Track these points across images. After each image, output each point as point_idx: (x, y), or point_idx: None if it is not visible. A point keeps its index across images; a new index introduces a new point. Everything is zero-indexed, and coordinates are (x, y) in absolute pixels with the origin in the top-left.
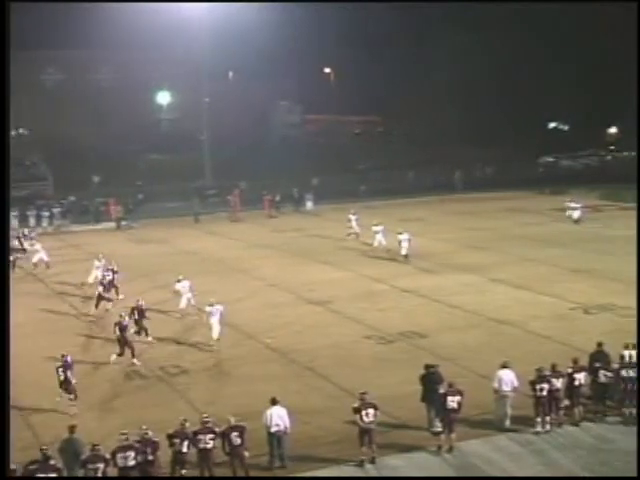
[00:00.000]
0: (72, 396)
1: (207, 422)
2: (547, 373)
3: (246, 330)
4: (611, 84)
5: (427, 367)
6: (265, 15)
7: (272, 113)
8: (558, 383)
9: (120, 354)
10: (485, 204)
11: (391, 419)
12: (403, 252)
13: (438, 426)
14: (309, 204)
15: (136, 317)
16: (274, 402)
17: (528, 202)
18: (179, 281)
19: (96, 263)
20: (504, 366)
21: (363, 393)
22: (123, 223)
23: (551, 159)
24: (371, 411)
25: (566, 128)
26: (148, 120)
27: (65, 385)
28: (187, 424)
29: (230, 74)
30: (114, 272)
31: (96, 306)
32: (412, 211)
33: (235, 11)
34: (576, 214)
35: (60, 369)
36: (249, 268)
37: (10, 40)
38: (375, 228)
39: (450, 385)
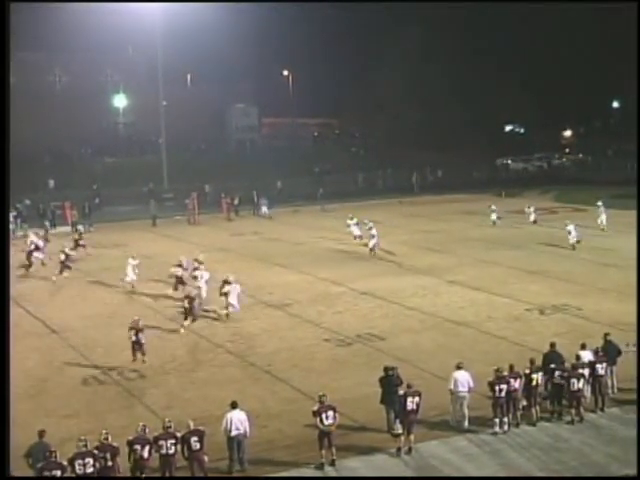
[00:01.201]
0: (145, 357)
1: (169, 427)
2: (505, 374)
3: (204, 334)
4: (565, 87)
5: (386, 369)
6: (223, 16)
7: (229, 116)
8: (516, 384)
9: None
10: (441, 207)
11: (350, 421)
12: (370, 245)
13: (398, 428)
14: (264, 208)
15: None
16: (234, 406)
17: (484, 204)
18: (229, 283)
19: (130, 261)
20: (459, 367)
21: (322, 396)
22: (79, 227)
23: (507, 162)
24: (330, 413)
25: (522, 131)
26: (104, 123)
27: (137, 346)
28: (147, 429)
29: (188, 77)
30: (184, 268)
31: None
32: (369, 214)
33: (191, 11)
34: (532, 216)
35: (132, 331)
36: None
37: (10, 40)
38: (349, 222)
39: (409, 386)
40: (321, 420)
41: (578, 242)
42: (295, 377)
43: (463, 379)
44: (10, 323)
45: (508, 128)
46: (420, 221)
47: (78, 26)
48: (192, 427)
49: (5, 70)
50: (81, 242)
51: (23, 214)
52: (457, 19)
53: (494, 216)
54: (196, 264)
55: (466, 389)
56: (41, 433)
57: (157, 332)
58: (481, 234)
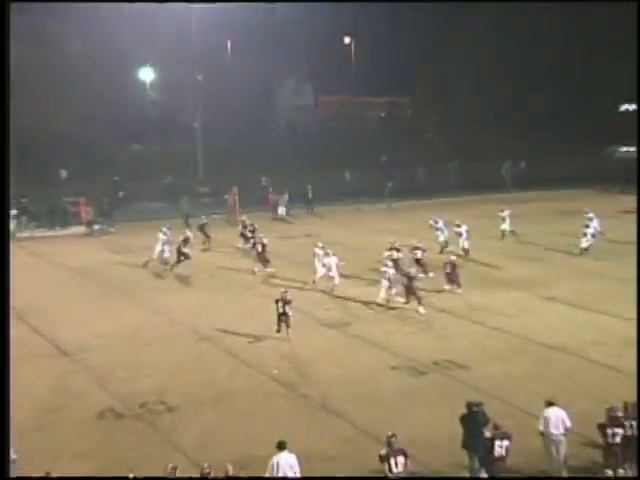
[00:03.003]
0: (290, 331)
1: (208, 473)
2: (620, 414)
3: (245, 358)
4: None
5: (469, 405)
6: None
7: (277, 94)
8: (634, 427)
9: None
10: (534, 205)
11: (424, 469)
12: (465, 245)
13: (483, 477)
14: (280, 209)
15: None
16: (281, 447)
17: (588, 203)
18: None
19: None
20: (550, 403)
21: (391, 436)
22: (96, 227)
23: (623, 149)
24: (401, 459)
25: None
26: (128, 102)
27: (284, 317)
28: (176, 470)
29: (229, 46)
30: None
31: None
32: (446, 214)
33: None
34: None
35: (280, 302)
36: (252, 282)
37: (10, 40)
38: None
39: (496, 427)
40: (389, 467)
41: None
42: (355, 412)
43: (556, 418)
44: (11, 329)
45: (623, 108)
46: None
47: None
48: (231, 472)
49: (5, 70)
50: (248, 234)
51: (30, 210)
52: None
53: (505, 225)
54: (319, 251)
55: (560, 431)
56: (47, 477)
57: (191, 353)
58: None
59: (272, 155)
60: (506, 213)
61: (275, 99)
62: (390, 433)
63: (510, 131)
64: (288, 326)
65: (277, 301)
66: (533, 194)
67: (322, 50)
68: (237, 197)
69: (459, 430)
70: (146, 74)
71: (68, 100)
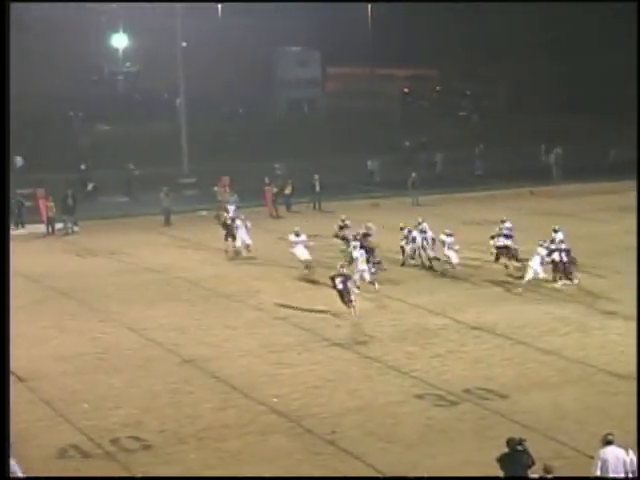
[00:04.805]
0: (352, 306)
1: None
2: None
3: (238, 384)
4: None
5: (510, 443)
6: None
7: (277, 64)
8: None
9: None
10: (587, 199)
11: None
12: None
13: None
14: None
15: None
16: None
17: None
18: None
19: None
20: (608, 442)
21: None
22: (59, 226)
23: None
24: None
25: None
26: (96, 74)
27: (345, 294)
28: None
29: (219, 7)
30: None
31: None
32: (482, 211)
33: None
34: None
35: (339, 278)
36: (242, 292)
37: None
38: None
39: (547, 470)
40: None
41: None
42: (371, 451)
43: (616, 460)
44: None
45: None
46: (558, 221)
47: None
48: None
49: (5, 69)
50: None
51: None
52: None
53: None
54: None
55: (621, 475)
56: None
57: (170, 379)
58: None
59: (271, 139)
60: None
61: (275, 71)
62: (412, 476)
63: (562, 111)
64: (350, 301)
65: (333, 278)
66: (585, 186)
67: (332, 12)
68: (228, 188)
69: (497, 473)
70: (119, 40)
71: (22, 71)
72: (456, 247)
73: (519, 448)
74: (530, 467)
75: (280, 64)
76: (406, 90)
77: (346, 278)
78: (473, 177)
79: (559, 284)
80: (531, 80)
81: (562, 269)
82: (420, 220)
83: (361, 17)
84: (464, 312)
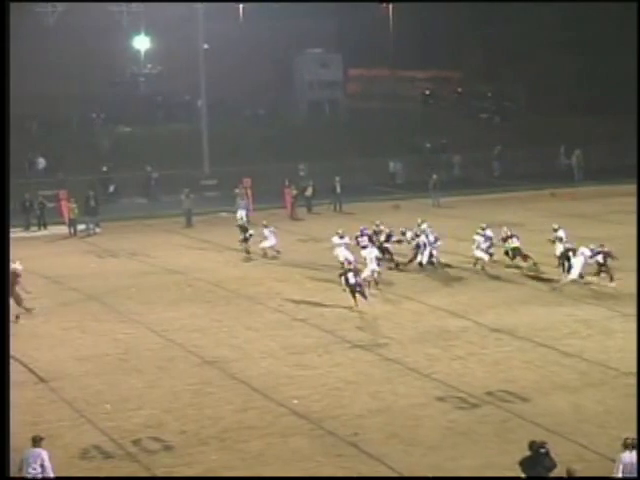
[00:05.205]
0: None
1: None
2: None
3: (258, 386)
4: None
5: (533, 446)
6: None
7: (299, 66)
8: None
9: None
10: (608, 201)
11: None
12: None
13: None
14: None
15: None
16: None
17: None
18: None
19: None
20: (628, 445)
21: None
22: (81, 227)
23: None
24: None
25: None
26: (117, 76)
27: (358, 288)
28: None
29: (240, 9)
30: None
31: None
32: (506, 212)
33: None
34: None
35: (350, 273)
36: (263, 294)
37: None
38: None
39: (569, 473)
40: None
41: None
42: (392, 453)
43: (634, 464)
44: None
45: None
46: (580, 223)
47: None
48: None
49: (5, 69)
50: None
51: None
52: None
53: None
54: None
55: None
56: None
57: (191, 380)
58: None
59: (292, 140)
60: (561, 233)
61: (296, 73)
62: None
63: (583, 112)
64: (364, 294)
65: (342, 275)
66: (607, 188)
67: (353, 14)
68: (250, 191)
69: (518, 476)
70: (141, 42)
71: (44, 73)
72: (484, 245)
73: (542, 451)
74: (551, 470)
75: (301, 66)
76: (427, 92)
77: (357, 272)
78: (492, 178)
79: (612, 284)
80: (552, 81)
81: (606, 270)
82: (420, 221)
83: (382, 19)
84: (484, 314)
